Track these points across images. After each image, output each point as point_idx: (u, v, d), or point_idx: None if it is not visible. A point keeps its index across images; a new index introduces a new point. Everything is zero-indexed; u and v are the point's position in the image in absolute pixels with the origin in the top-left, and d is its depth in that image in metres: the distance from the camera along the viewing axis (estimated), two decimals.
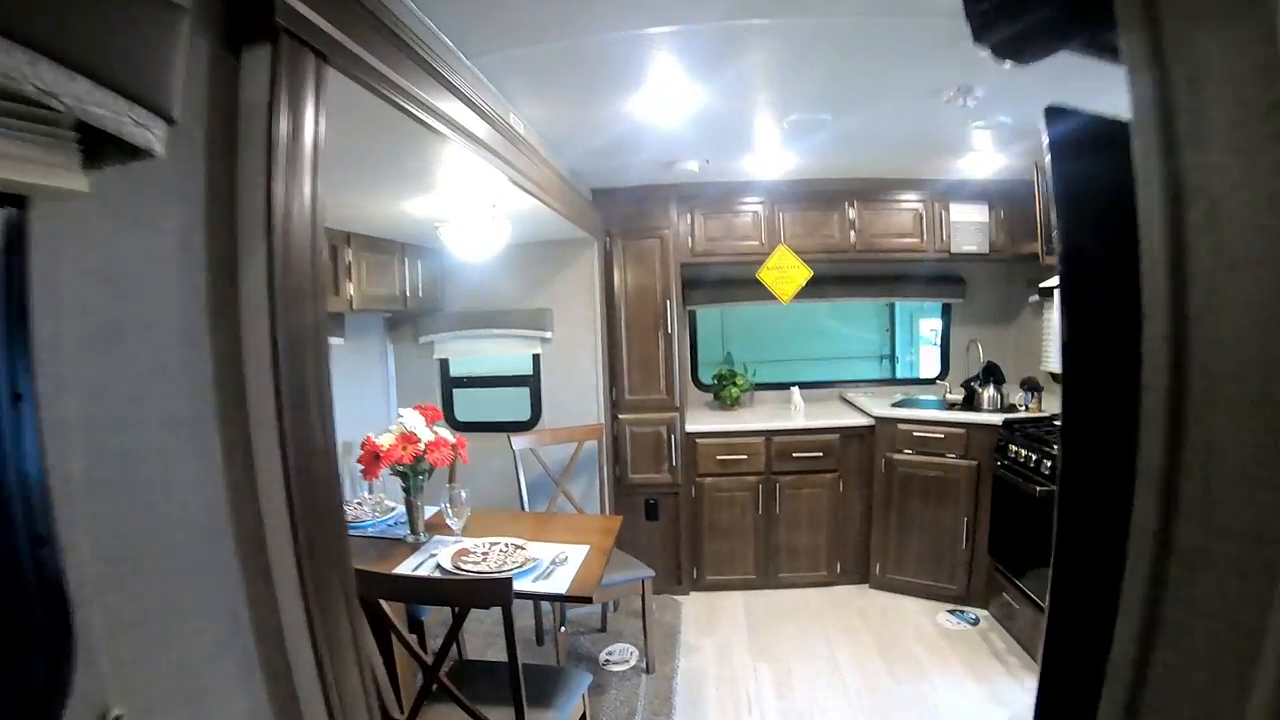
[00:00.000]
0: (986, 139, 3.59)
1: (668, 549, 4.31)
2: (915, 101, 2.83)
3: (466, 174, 2.44)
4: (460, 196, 2.81)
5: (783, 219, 4.39)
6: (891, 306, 7.09)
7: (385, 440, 2.80)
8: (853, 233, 4.44)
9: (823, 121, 3.06)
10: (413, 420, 2.87)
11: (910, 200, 4.50)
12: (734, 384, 4.75)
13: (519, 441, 3.82)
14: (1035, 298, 4.66)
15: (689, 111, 2.77)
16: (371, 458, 2.76)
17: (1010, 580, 3.71)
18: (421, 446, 2.80)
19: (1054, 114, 0.74)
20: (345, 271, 3.20)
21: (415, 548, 2.82)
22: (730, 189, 4.35)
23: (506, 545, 2.73)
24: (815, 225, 4.41)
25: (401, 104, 1.59)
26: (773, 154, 3.69)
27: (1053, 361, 4.84)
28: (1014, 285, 5.08)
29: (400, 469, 2.83)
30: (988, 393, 4.25)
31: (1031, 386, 4.20)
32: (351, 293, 3.24)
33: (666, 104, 2.67)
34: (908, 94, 2.76)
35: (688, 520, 4.29)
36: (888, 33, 2.17)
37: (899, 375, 7.09)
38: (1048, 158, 0.74)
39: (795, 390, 4.72)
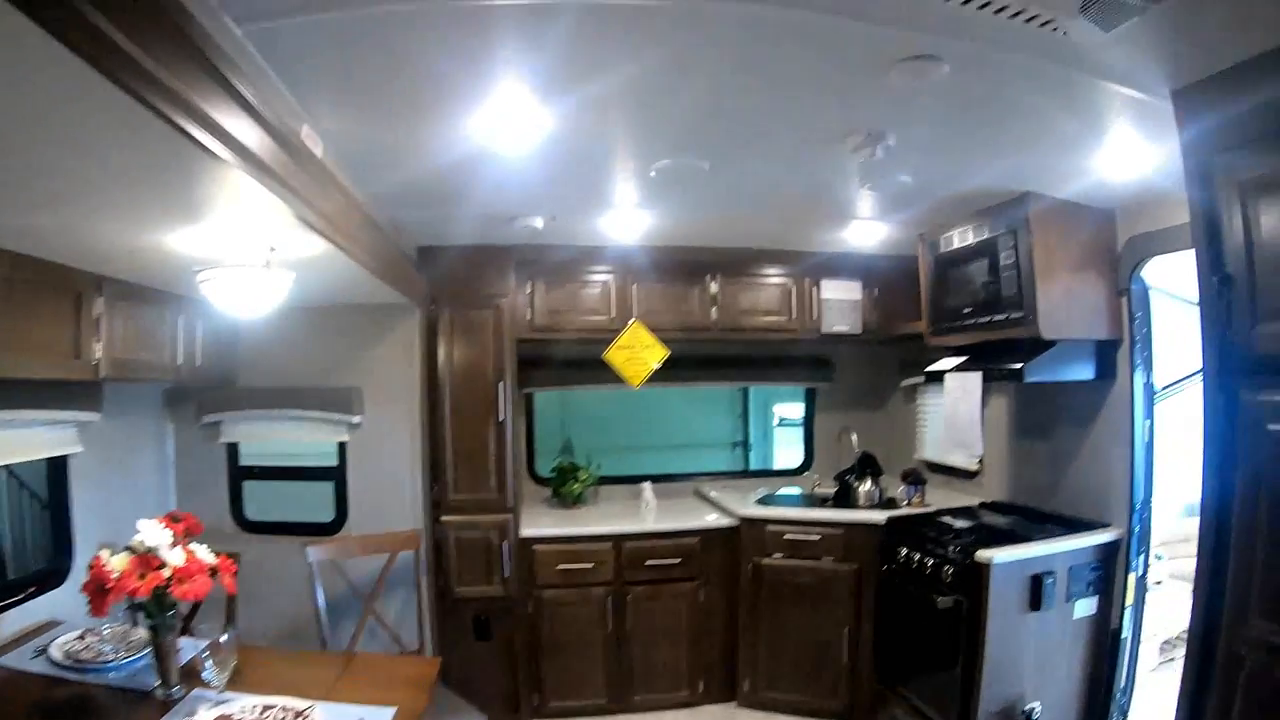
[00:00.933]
0: (875, 204, 3.66)
1: (503, 673, 4.10)
2: (814, 149, 2.80)
3: (233, 201, 2.08)
4: (230, 232, 2.43)
5: (637, 292, 4.38)
6: (745, 390, 7.15)
7: (118, 562, 2.37)
8: (714, 309, 4.49)
9: (698, 170, 2.97)
10: (154, 536, 2.44)
11: (778, 275, 4.61)
12: (576, 479, 4.62)
13: (317, 553, 3.52)
14: (919, 380, 4.78)
15: (534, 143, 2.57)
16: (97, 588, 2.32)
17: (900, 695, 3.69)
18: (166, 573, 2.37)
19: None
20: (91, 327, 2.78)
21: (167, 706, 2.39)
22: (579, 254, 4.28)
23: (284, 711, 2.34)
24: (673, 300, 4.42)
25: (137, 89, 1.26)
26: (631, 213, 3.65)
27: (929, 449, 5.06)
28: (885, 368, 5.31)
29: (138, 603, 2.41)
30: (864, 487, 4.33)
31: (914, 479, 4.30)
32: (99, 355, 2.83)
33: (507, 128, 2.43)
34: (809, 137, 2.70)
35: (525, 639, 4.09)
36: (799, 48, 2.04)
37: (753, 464, 7.16)
38: None
39: (646, 486, 4.63)
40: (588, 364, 4.49)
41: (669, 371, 4.48)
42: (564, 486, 4.65)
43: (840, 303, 4.72)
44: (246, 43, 1.75)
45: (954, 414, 3.86)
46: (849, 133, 2.66)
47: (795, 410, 6.01)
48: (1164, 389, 3.75)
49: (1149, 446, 3.53)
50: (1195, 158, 2.27)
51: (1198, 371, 4.25)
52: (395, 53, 1.96)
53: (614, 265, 4.36)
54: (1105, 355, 3.61)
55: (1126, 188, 3.24)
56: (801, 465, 5.45)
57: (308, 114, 2.23)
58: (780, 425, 7.22)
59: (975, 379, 3.73)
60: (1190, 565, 4.02)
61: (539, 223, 3.74)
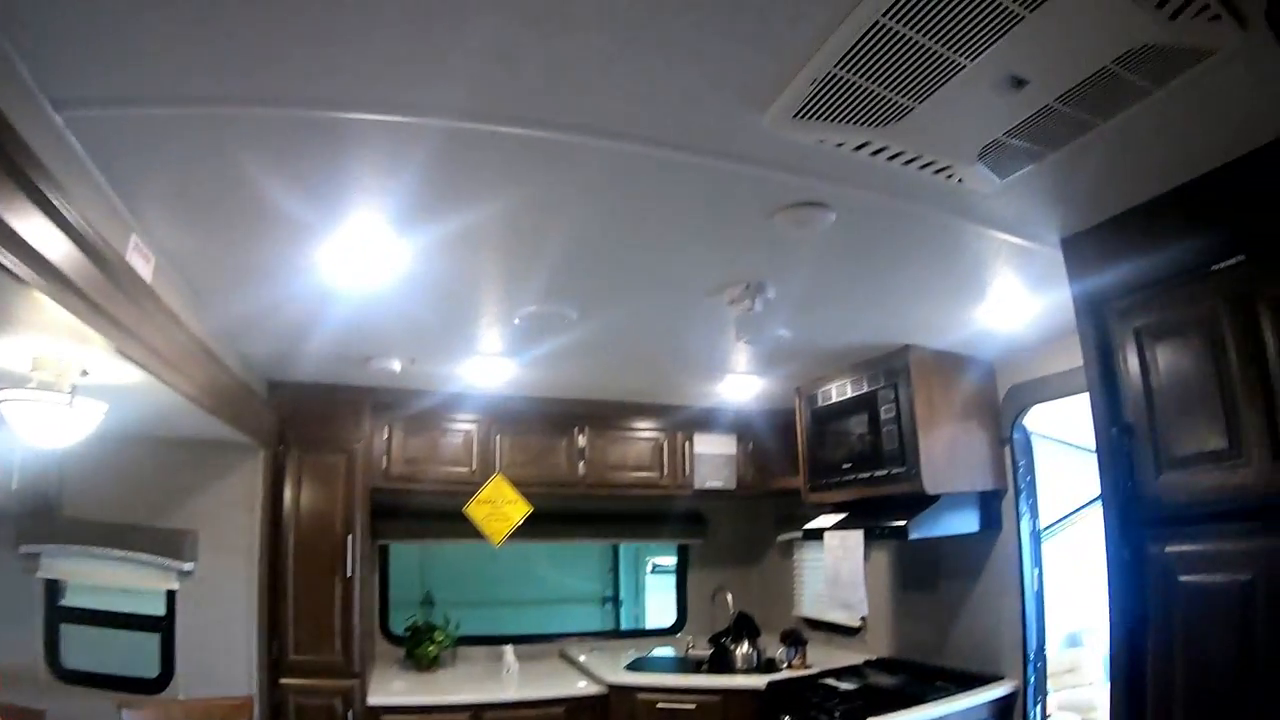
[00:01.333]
0: (751, 359, 3.79)
1: None
2: (690, 301, 2.89)
3: (32, 322, 1.90)
4: (34, 350, 2.26)
5: (501, 443, 4.39)
6: (616, 545, 7.16)
7: None
8: (582, 463, 4.54)
9: (566, 319, 3.02)
10: None
11: (650, 429, 4.73)
12: (432, 640, 4.41)
13: (134, 717, 3.25)
14: (796, 535, 4.83)
15: (391, 279, 2.51)
16: None
17: None
18: None
19: None
20: None
21: None
22: (440, 400, 4.26)
23: None
24: (539, 452, 4.45)
25: None
26: (495, 361, 3.66)
27: (809, 606, 5.07)
28: (761, 523, 5.40)
29: None
30: (741, 649, 4.27)
31: (794, 640, 4.25)
32: None
33: (362, 259, 2.36)
34: (685, 288, 2.78)
35: None
36: (677, 193, 2.06)
37: (624, 622, 7.09)
38: None
39: (508, 650, 4.45)
40: (448, 515, 4.39)
41: (534, 526, 4.43)
42: (419, 648, 4.41)
43: (714, 458, 4.85)
44: (67, 132, 1.60)
45: (835, 573, 3.90)
46: (727, 284, 2.74)
47: (669, 558, 6.00)
48: (1047, 528, 3.86)
49: (1039, 595, 3.61)
50: (1087, 306, 2.38)
51: (1080, 508, 4.55)
52: (232, 160, 1.80)
53: (477, 414, 4.37)
54: (990, 506, 3.73)
55: (1006, 338, 3.45)
56: (675, 625, 5.40)
57: (137, 221, 2.05)
58: (654, 573, 7.23)
59: (857, 537, 3.79)
60: (1075, 695, 4.10)
61: (396, 365, 3.71)
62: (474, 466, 4.33)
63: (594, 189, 2.04)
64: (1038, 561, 3.68)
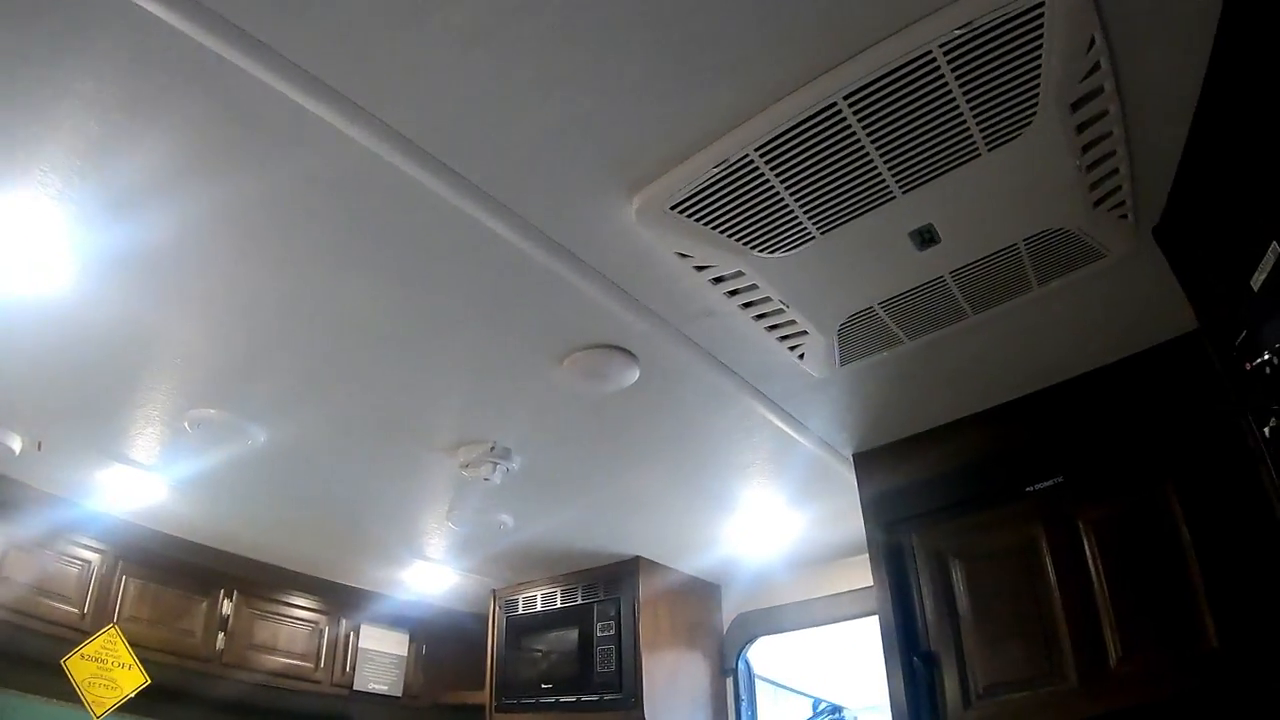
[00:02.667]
0: (452, 543, 3.78)
1: None
2: (417, 450, 2.84)
3: None
4: None
5: (126, 587, 4.02)
6: None
7: None
8: (223, 636, 4.23)
9: (249, 440, 2.84)
10: None
11: (310, 609, 4.52)
12: None
13: None
14: None
15: (34, 297, 2.11)
16: None
17: None
18: None
19: None
20: None
21: None
22: (62, 511, 3.82)
23: None
24: (172, 611, 4.12)
25: None
26: (143, 475, 3.36)
27: None
28: None
29: None
30: None
31: None
32: None
33: None
34: (419, 432, 2.72)
35: None
36: (476, 274, 1.96)
37: None
38: None
39: None
40: (40, 666, 3.80)
41: (150, 704, 3.97)
42: None
43: (381, 656, 4.67)
44: None
45: None
46: (469, 440, 2.73)
47: None
48: None
49: None
50: (880, 527, 2.58)
51: None
52: None
53: (104, 542, 3.97)
54: None
55: (741, 563, 3.72)
56: None
57: None
58: None
59: None
60: None
61: (16, 444, 3.19)
62: (87, 610, 3.82)
63: (359, 225, 1.82)
64: None
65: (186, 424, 2.79)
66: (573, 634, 3.99)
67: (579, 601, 4.02)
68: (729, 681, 4.06)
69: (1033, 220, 1.70)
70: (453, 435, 2.72)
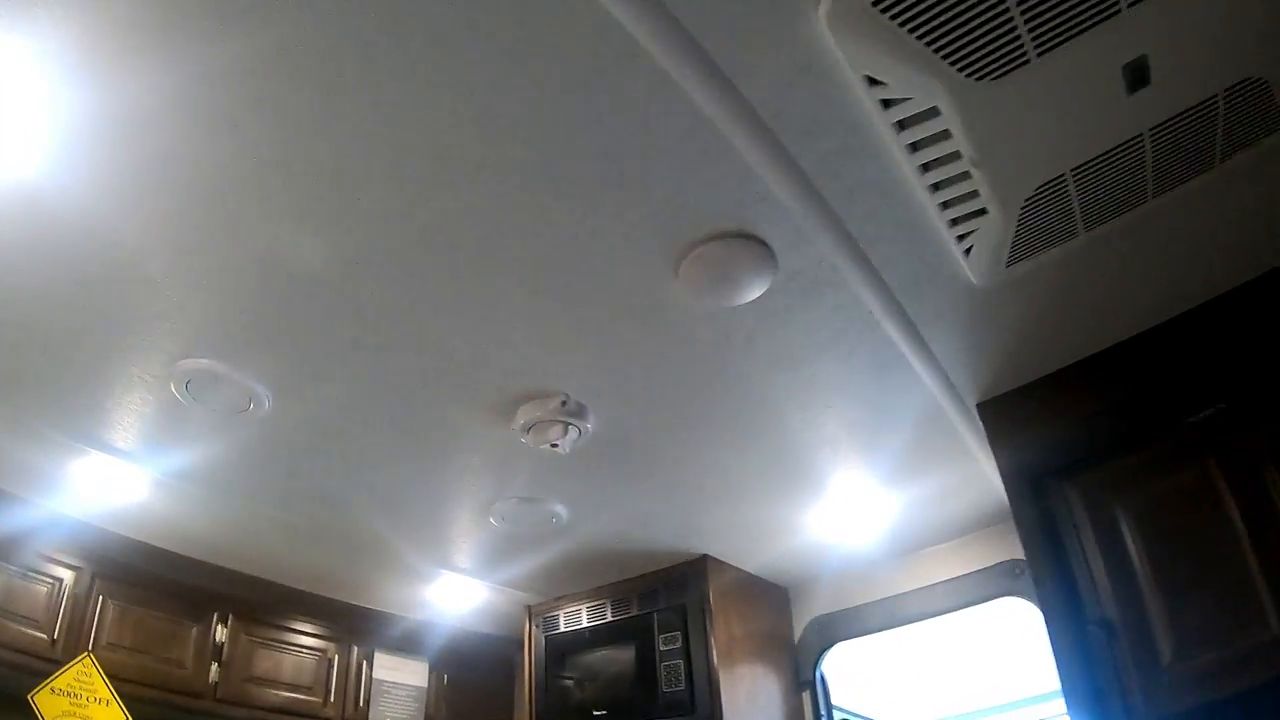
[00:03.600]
0: (486, 547, 3.32)
1: None
2: (463, 413, 2.39)
3: None
4: None
5: (104, 609, 3.47)
6: None
7: None
8: (216, 667, 3.67)
9: (250, 402, 2.32)
10: None
11: (316, 635, 4.02)
12: None
13: None
14: None
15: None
16: None
17: None
18: None
19: None
20: None
21: None
22: (25, 516, 3.24)
23: None
24: (158, 637, 3.58)
25: None
26: (119, 463, 2.83)
27: None
28: None
29: None
30: None
31: None
32: None
33: None
34: (469, 391, 2.27)
35: None
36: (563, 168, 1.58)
37: None
38: None
39: None
40: (6, 702, 3.17)
41: None
42: None
43: (397, 688, 4.13)
44: None
45: None
46: (532, 396, 2.25)
47: None
48: None
49: None
50: (1021, 482, 2.26)
51: None
52: None
53: (78, 556, 3.42)
54: None
55: (817, 558, 3.34)
56: None
57: None
58: None
59: None
60: None
61: None
62: (57, 636, 3.21)
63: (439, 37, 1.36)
64: None
65: (175, 388, 2.28)
66: (628, 651, 3.47)
67: (634, 613, 3.51)
68: (805, 696, 3.58)
69: (1239, 64, 1.44)
70: (514, 388, 2.24)
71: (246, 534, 3.42)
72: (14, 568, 3.24)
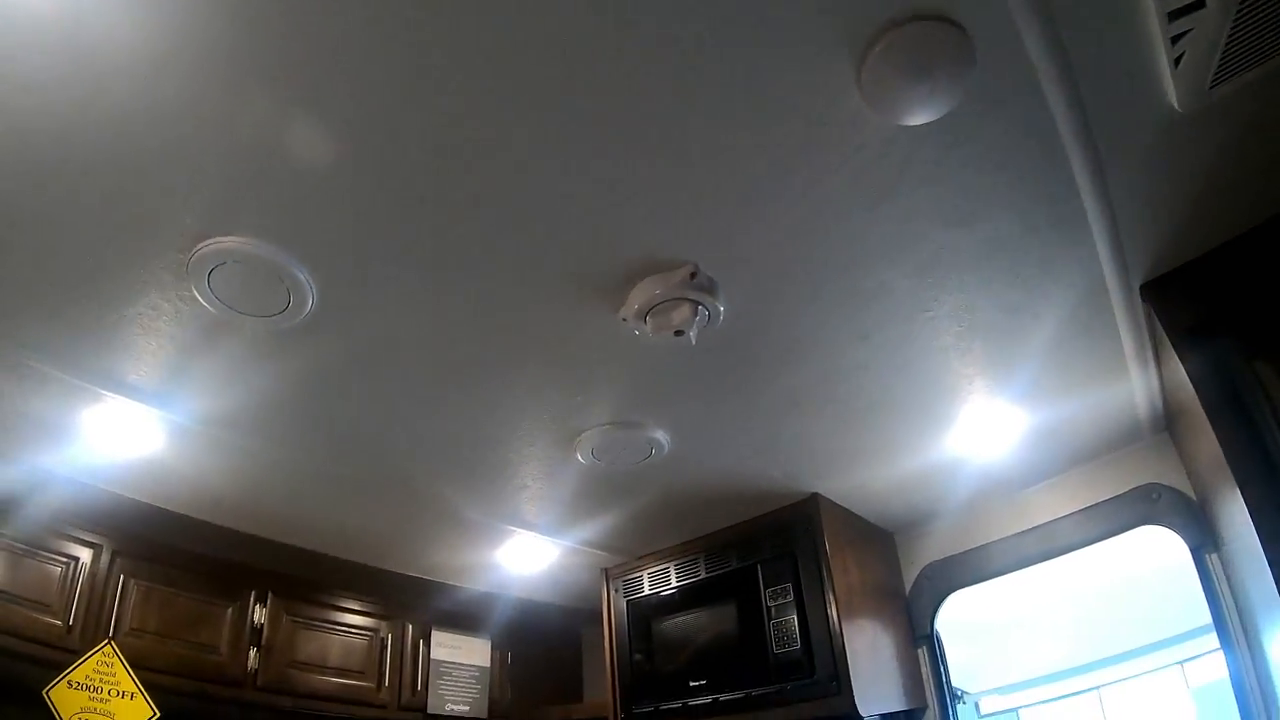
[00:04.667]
0: (570, 498, 2.89)
1: None
2: (558, 304, 1.89)
3: None
4: None
5: (126, 589, 3.06)
6: None
7: None
8: (256, 652, 3.26)
9: (291, 298, 1.82)
10: None
11: (366, 612, 3.63)
12: None
13: None
14: None
15: None
16: None
17: None
18: None
19: None
20: None
21: None
22: (34, 487, 2.80)
23: None
24: (189, 621, 3.16)
25: None
26: (139, 407, 2.32)
27: None
28: None
29: None
30: None
31: None
32: None
33: None
34: (567, 262, 1.76)
35: None
36: None
37: None
38: None
39: None
40: (19, 698, 2.76)
41: None
42: None
43: (458, 669, 3.75)
44: None
45: None
46: (652, 269, 1.76)
47: None
48: None
49: None
50: (1206, 366, 1.91)
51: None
52: None
53: (97, 530, 3.00)
54: None
55: (931, 496, 2.99)
56: None
57: None
58: None
59: None
60: None
61: None
62: (72, 622, 2.85)
63: None
64: None
65: (197, 290, 1.82)
66: (727, 611, 3.03)
67: (733, 566, 3.07)
68: (922, 653, 3.19)
69: None
70: (627, 259, 1.75)
71: (284, 495, 2.98)
72: (23, 546, 2.82)
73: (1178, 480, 2.69)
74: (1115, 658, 3.71)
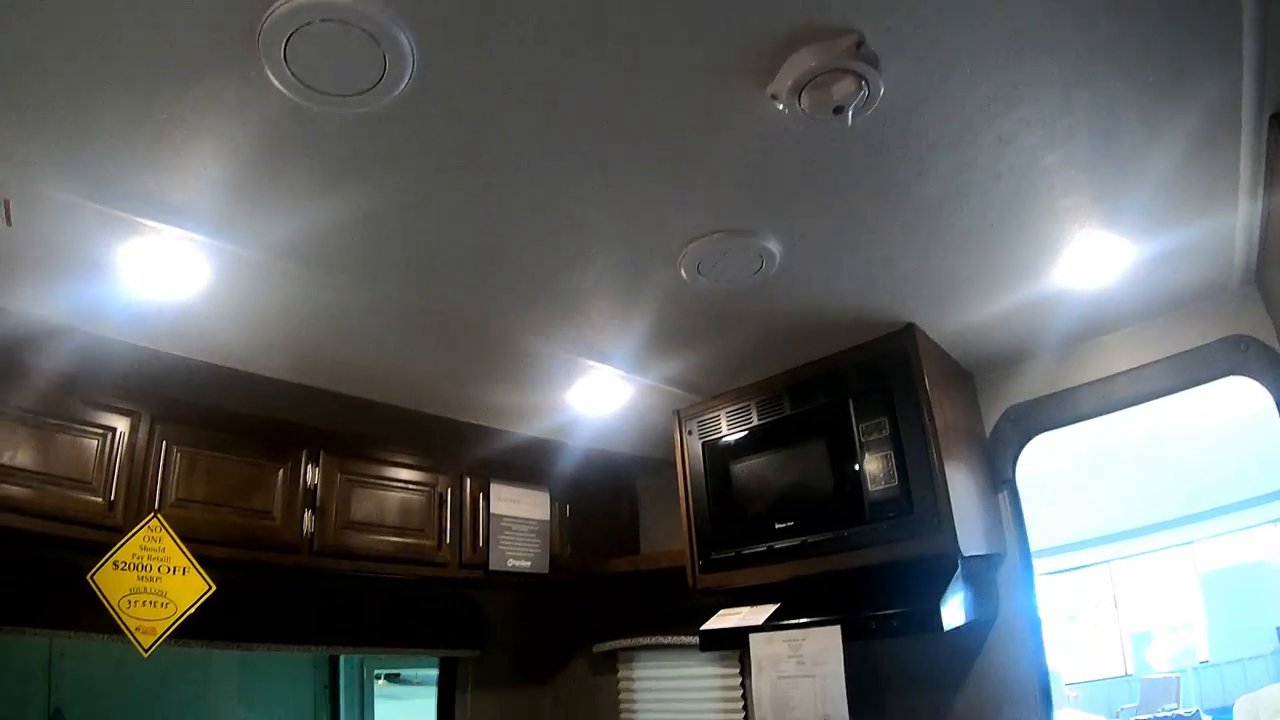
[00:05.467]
0: (651, 324, 2.61)
1: None
2: (698, 74, 1.55)
3: None
4: None
5: (169, 459, 2.79)
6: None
7: None
8: (310, 515, 3.04)
9: (391, 60, 1.45)
10: None
11: (422, 469, 3.43)
12: None
13: None
14: (621, 644, 3.88)
15: None
16: None
17: None
18: None
19: None
20: None
21: None
22: (62, 348, 2.50)
23: None
24: (239, 486, 2.93)
25: None
26: (175, 243, 2.02)
27: None
28: (561, 627, 4.38)
29: None
30: None
31: None
32: None
33: None
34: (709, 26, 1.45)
35: None
36: None
37: None
38: None
39: None
40: (61, 587, 2.69)
41: (216, 620, 2.83)
42: None
43: (518, 523, 3.59)
44: None
45: (779, 700, 2.68)
46: (810, 38, 1.46)
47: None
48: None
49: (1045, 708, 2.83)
50: None
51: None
52: None
53: (132, 399, 2.72)
54: (981, 581, 2.88)
55: (1017, 333, 2.81)
56: None
57: None
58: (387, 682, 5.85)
59: (830, 640, 2.59)
60: None
61: None
62: (114, 497, 2.62)
63: None
64: (1044, 677, 2.87)
65: (269, 66, 1.46)
66: (817, 447, 2.83)
67: (823, 401, 2.85)
68: (1002, 498, 3.03)
69: None
70: (788, 18, 1.44)
71: (342, 337, 2.66)
72: (54, 421, 2.56)
73: (1265, 333, 2.59)
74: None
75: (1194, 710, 6.77)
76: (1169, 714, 6.86)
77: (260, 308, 2.38)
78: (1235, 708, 6.39)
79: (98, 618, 2.50)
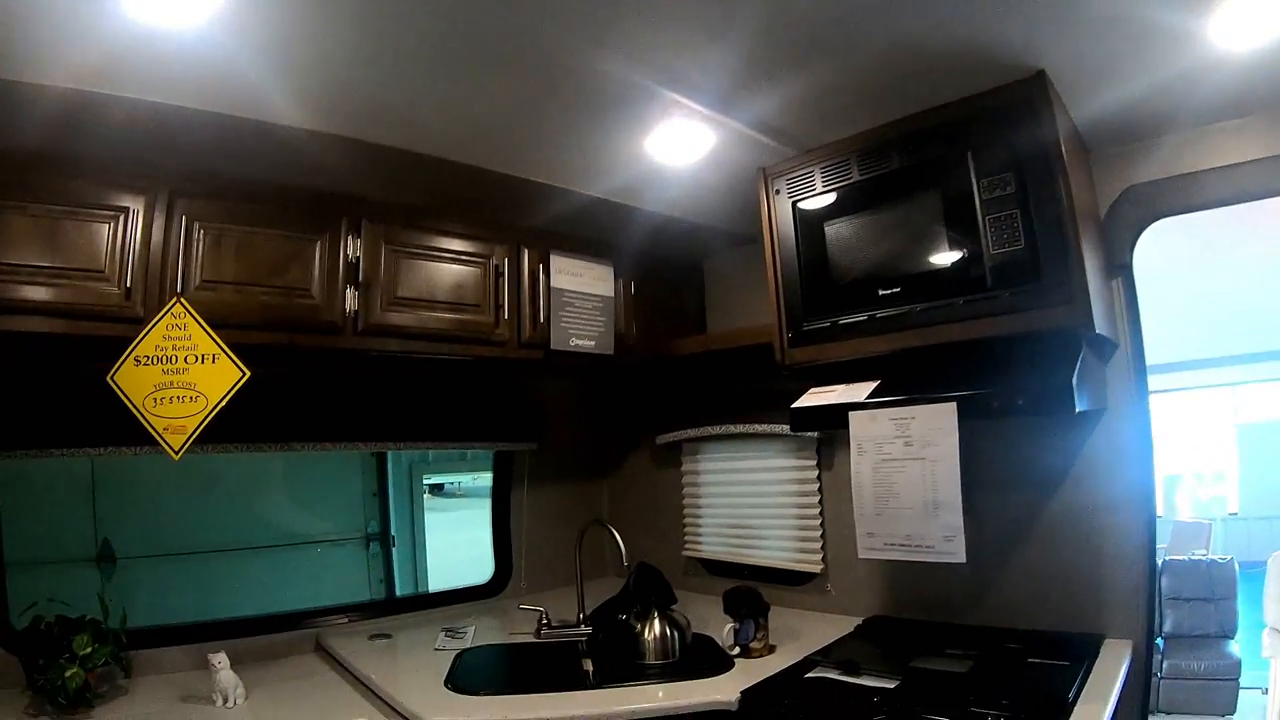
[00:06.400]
0: (741, 60, 2.18)
1: None
2: None
3: None
4: None
5: (191, 237, 2.46)
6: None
7: None
8: (353, 292, 2.73)
9: None
10: None
11: (476, 238, 3.08)
12: (78, 662, 2.42)
13: None
14: (686, 434, 3.70)
15: None
16: None
17: None
18: None
19: None
20: None
21: None
22: (66, 132, 2.18)
23: None
24: (271, 263, 2.60)
25: None
26: None
27: (708, 542, 3.84)
28: (621, 415, 4.25)
29: None
30: (653, 630, 2.82)
31: (746, 605, 2.82)
32: None
33: None
34: None
35: None
36: None
37: (401, 575, 5.56)
38: None
39: (219, 660, 2.55)
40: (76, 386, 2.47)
41: (255, 423, 2.72)
42: (53, 673, 2.43)
43: (581, 299, 3.28)
44: None
45: (880, 485, 2.48)
46: None
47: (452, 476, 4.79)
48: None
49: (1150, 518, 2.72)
50: None
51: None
52: None
53: (151, 173, 2.37)
54: (1092, 372, 2.60)
55: (1142, 102, 2.44)
56: (494, 581, 3.88)
57: None
58: (433, 495, 5.79)
59: (944, 417, 2.36)
60: None
61: None
62: (130, 282, 2.30)
63: None
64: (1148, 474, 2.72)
65: None
66: (930, 202, 2.45)
67: (937, 153, 2.44)
68: (1116, 285, 2.73)
69: None
70: None
71: (385, 74, 2.18)
72: (60, 208, 2.25)
73: None
74: None
75: (1229, 559, 6.63)
76: (1202, 558, 6.75)
77: (285, 34, 1.93)
78: (1270, 561, 6.22)
79: (127, 430, 2.25)
